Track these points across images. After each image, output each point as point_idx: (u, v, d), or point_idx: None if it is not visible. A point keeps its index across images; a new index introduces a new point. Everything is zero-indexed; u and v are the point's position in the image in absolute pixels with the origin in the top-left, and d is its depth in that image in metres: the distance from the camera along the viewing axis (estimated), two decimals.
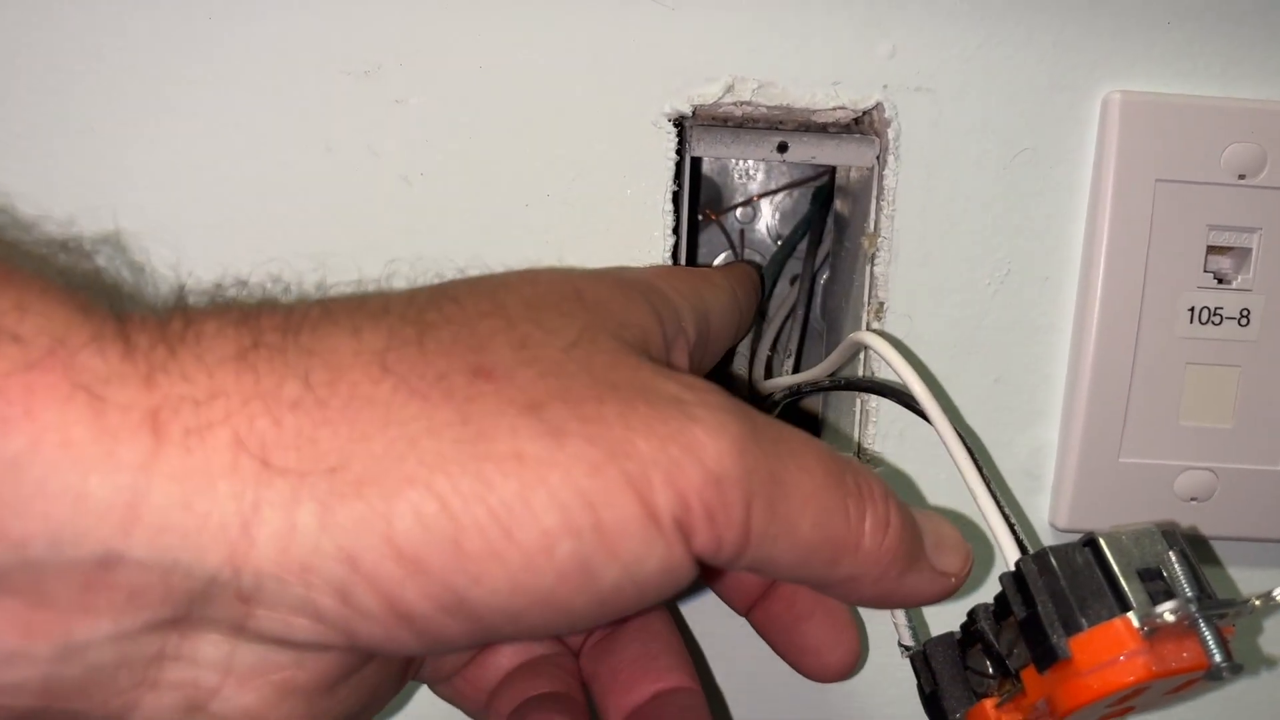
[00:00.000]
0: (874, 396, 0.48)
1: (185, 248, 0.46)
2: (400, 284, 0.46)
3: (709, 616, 0.50)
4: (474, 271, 0.45)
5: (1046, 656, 0.32)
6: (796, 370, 0.55)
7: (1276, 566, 0.50)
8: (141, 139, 0.45)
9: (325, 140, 0.45)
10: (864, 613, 0.49)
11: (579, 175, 0.45)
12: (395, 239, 0.46)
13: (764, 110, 0.46)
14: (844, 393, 0.51)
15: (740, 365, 0.52)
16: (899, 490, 0.48)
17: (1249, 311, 0.46)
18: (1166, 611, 0.30)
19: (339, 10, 0.44)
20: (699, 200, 0.60)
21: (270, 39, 0.44)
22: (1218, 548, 0.49)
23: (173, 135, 0.45)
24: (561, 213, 0.46)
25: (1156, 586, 0.32)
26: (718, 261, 0.62)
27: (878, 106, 0.45)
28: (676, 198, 0.46)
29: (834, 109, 0.45)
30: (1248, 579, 0.50)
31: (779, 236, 0.62)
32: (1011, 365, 0.48)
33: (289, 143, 0.45)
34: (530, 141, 0.45)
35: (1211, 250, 0.46)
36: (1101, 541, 0.32)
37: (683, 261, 0.48)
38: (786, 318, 0.58)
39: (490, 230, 0.46)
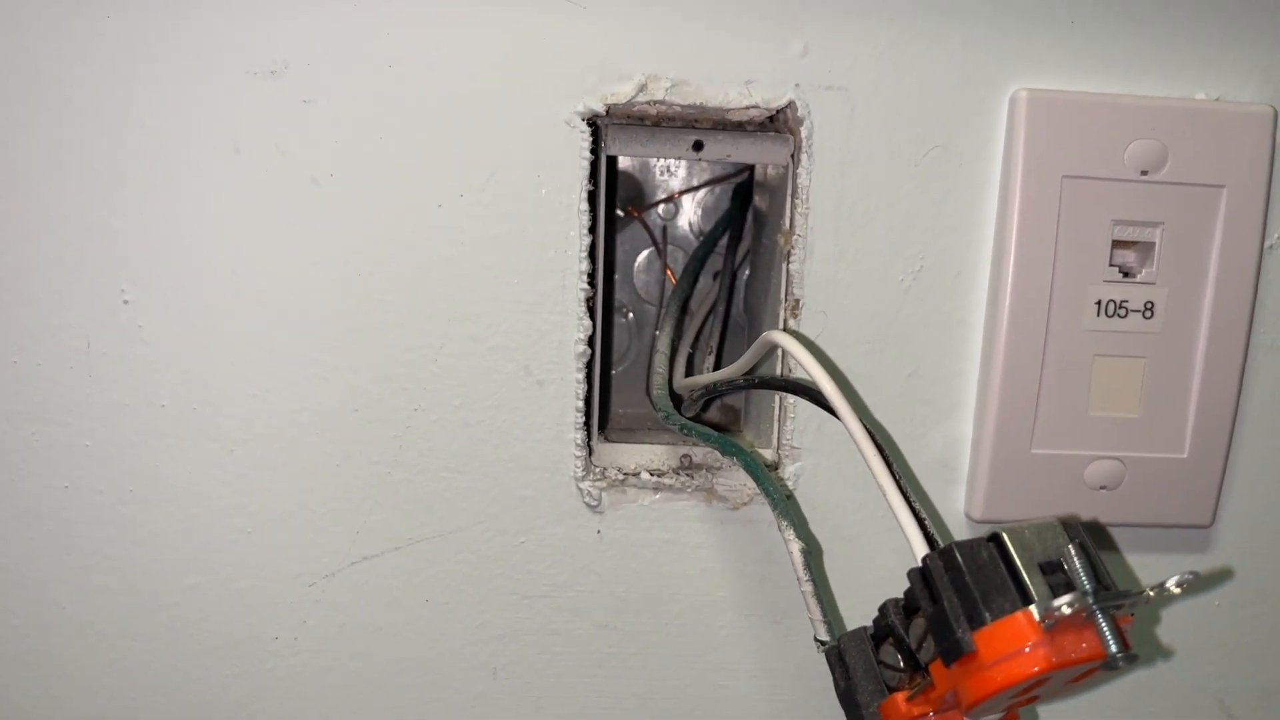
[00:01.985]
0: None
1: (89, 251, 0.45)
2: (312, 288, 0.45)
3: None
4: (386, 270, 0.45)
5: (952, 650, 0.32)
6: (718, 366, 0.56)
7: (1183, 551, 0.51)
8: (41, 141, 0.44)
9: (233, 140, 0.44)
10: (784, 607, 0.50)
11: (492, 175, 0.45)
12: (305, 239, 0.45)
13: (678, 109, 0.46)
14: (764, 390, 0.51)
15: (661, 363, 0.52)
16: (818, 485, 0.49)
17: (1153, 304, 0.47)
18: (1064, 604, 0.30)
19: (244, 9, 0.43)
20: (616, 198, 0.60)
21: (173, 38, 0.43)
22: (1127, 534, 0.51)
23: (74, 137, 0.44)
24: (475, 213, 0.45)
25: (1057, 579, 0.32)
26: (639, 259, 0.62)
27: (790, 105, 0.46)
28: (592, 196, 0.46)
29: (747, 108, 0.46)
30: (1156, 564, 0.51)
31: (701, 232, 0.62)
32: (926, 360, 0.48)
33: (197, 143, 0.44)
34: (442, 141, 0.45)
35: (1116, 245, 0.47)
36: (1005, 537, 0.33)
37: (600, 260, 0.48)
38: (708, 314, 0.58)
39: (402, 231, 0.45)
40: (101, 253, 0.45)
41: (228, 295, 0.45)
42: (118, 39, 0.43)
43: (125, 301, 0.45)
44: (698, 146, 0.48)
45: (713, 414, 0.61)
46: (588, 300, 0.47)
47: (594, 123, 0.46)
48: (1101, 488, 0.48)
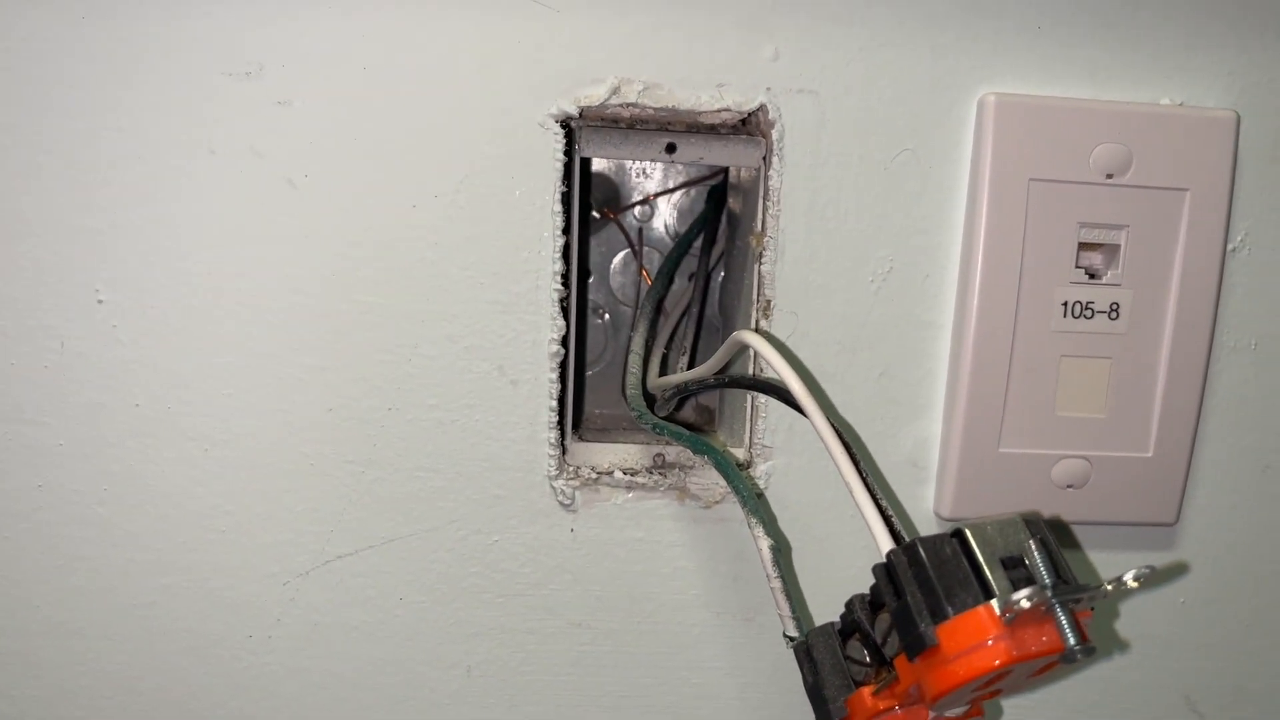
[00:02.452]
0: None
1: (63, 252, 0.45)
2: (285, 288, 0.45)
3: None
4: (361, 271, 0.45)
5: (915, 644, 0.33)
6: (692, 367, 0.56)
7: (1149, 549, 0.52)
8: (15, 142, 0.44)
9: (208, 142, 0.45)
10: (756, 604, 0.50)
11: (467, 177, 0.45)
12: (280, 241, 0.45)
13: (651, 111, 0.46)
14: (735, 389, 0.52)
15: (634, 363, 0.52)
16: (789, 484, 0.49)
17: (1119, 305, 0.48)
18: (1024, 598, 0.31)
19: (220, 11, 0.44)
20: (590, 200, 0.60)
21: (149, 40, 0.44)
22: (1094, 532, 0.51)
23: (54, 137, 0.44)
24: (450, 214, 0.46)
25: (1019, 574, 0.33)
26: (616, 260, 0.62)
27: (762, 108, 0.46)
28: (566, 198, 0.46)
29: (719, 110, 0.46)
30: (1123, 562, 0.52)
31: (677, 234, 0.62)
32: (896, 360, 0.49)
33: (172, 145, 0.45)
34: (416, 143, 0.45)
35: (1083, 247, 0.48)
36: (968, 532, 0.34)
37: (574, 261, 0.48)
38: (683, 315, 0.58)
39: (377, 232, 0.46)
40: (76, 253, 0.45)
41: (203, 296, 0.46)
42: (93, 41, 0.43)
43: (100, 302, 0.45)
44: (670, 149, 0.48)
45: (688, 414, 0.61)
46: (561, 301, 0.47)
47: (568, 125, 0.46)
48: (1068, 486, 0.49)
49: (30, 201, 0.44)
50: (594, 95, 0.45)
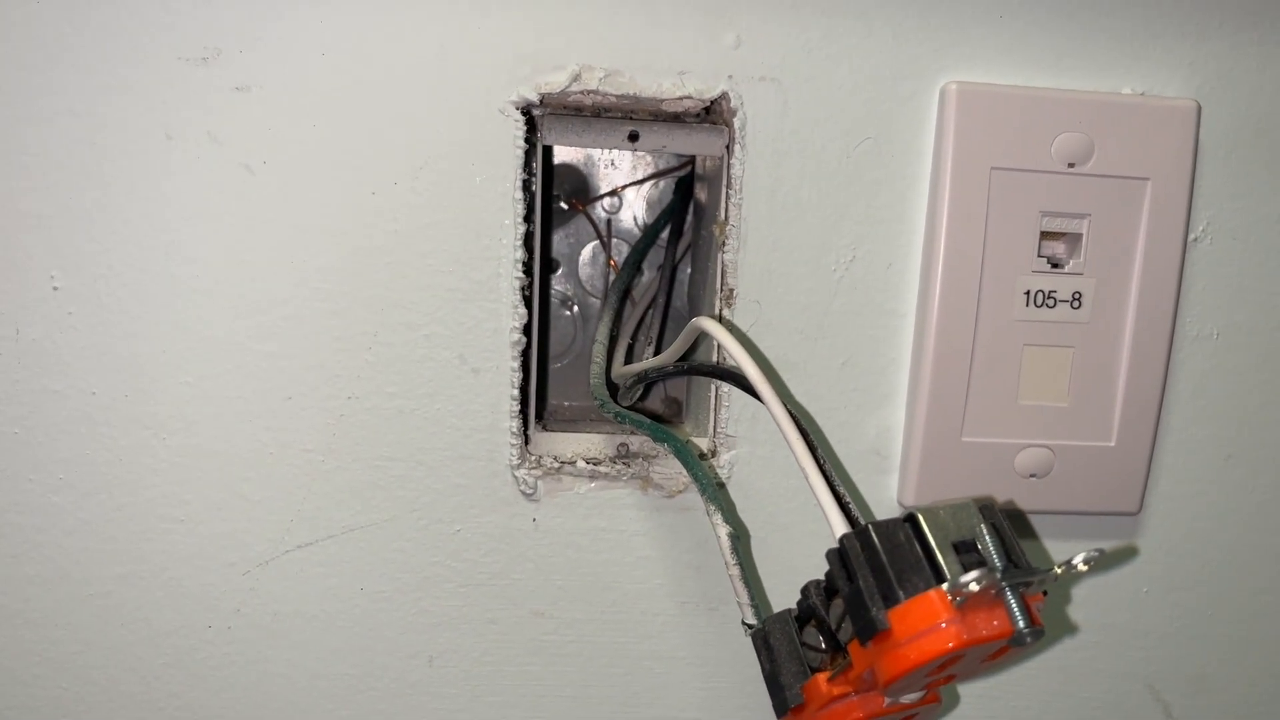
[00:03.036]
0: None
1: (18, 238, 0.44)
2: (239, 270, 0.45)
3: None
4: (319, 258, 0.45)
5: (867, 628, 0.33)
6: (657, 356, 0.56)
7: (1112, 538, 0.52)
8: None
9: (164, 128, 0.44)
10: (718, 594, 0.50)
11: (426, 163, 0.45)
12: (238, 227, 0.45)
13: (614, 99, 0.46)
14: (703, 379, 0.51)
15: (599, 352, 0.52)
16: (752, 473, 0.49)
17: (1081, 294, 0.48)
18: (972, 581, 0.31)
19: None
20: (553, 189, 0.60)
21: (104, 22, 0.43)
22: (1057, 522, 0.51)
23: (7, 123, 0.43)
24: (409, 200, 0.45)
25: (971, 559, 0.33)
26: (585, 252, 0.62)
27: (724, 96, 0.46)
28: (527, 185, 0.46)
29: (681, 98, 0.46)
30: (1084, 551, 0.52)
31: (645, 226, 0.62)
32: (859, 349, 0.49)
33: (128, 130, 0.44)
34: (375, 129, 0.45)
35: (1045, 236, 0.48)
36: (920, 517, 0.33)
37: (536, 249, 0.48)
38: (649, 305, 0.58)
39: (336, 219, 0.45)
40: (31, 239, 0.44)
41: (159, 282, 0.45)
42: (46, 23, 0.43)
43: (55, 289, 0.45)
44: (633, 137, 0.48)
45: (657, 405, 0.61)
46: (523, 289, 0.47)
47: (529, 112, 0.46)
48: (1031, 475, 0.49)
49: None
50: (555, 82, 0.45)
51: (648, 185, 0.62)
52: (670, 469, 0.49)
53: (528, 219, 0.47)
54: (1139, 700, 0.54)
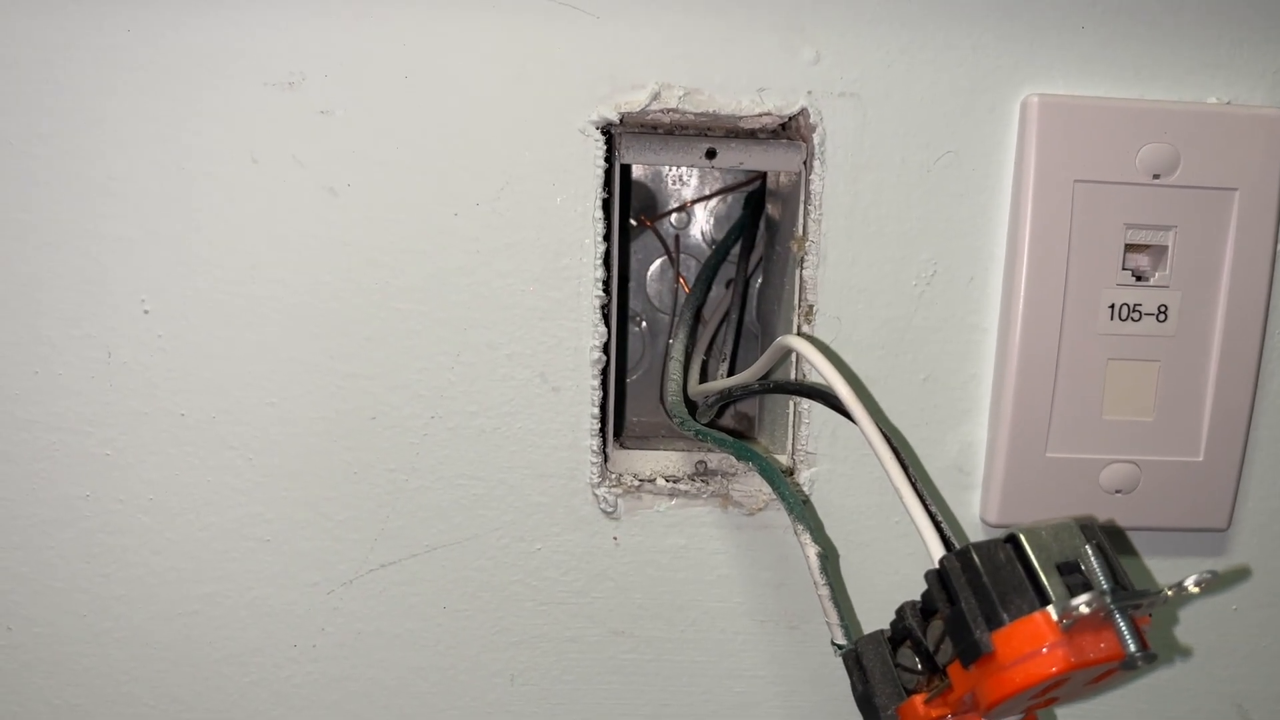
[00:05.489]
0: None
1: (109, 262, 0.45)
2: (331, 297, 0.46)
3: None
4: (402, 278, 0.45)
5: (970, 651, 0.32)
6: (732, 373, 0.56)
7: (1200, 555, 0.51)
8: (62, 154, 0.44)
9: (250, 151, 0.45)
10: (800, 612, 0.50)
11: (507, 184, 0.45)
12: (322, 249, 0.45)
13: (691, 117, 0.46)
14: (778, 395, 0.51)
15: (675, 369, 0.52)
16: (833, 490, 0.49)
17: (1167, 307, 0.47)
18: (1082, 604, 0.30)
19: (260, 22, 0.44)
20: (629, 207, 0.60)
21: (191, 51, 0.44)
22: (1143, 538, 0.51)
23: (98, 149, 0.44)
24: (491, 221, 0.46)
25: (1075, 580, 0.32)
26: (653, 268, 0.62)
27: (803, 112, 0.46)
28: (606, 204, 0.46)
29: (760, 115, 0.46)
30: (1172, 568, 0.51)
31: (713, 241, 0.62)
32: (940, 364, 0.48)
33: (215, 155, 0.45)
34: (457, 150, 0.45)
35: (1129, 248, 0.47)
36: (1022, 538, 0.33)
37: (614, 267, 0.48)
38: (721, 321, 0.58)
39: (418, 240, 0.46)
40: (121, 264, 0.45)
41: (246, 305, 0.46)
42: (138, 53, 0.44)
43: (145, 312, 0.46)
44: (711, 154, 0.48)
45: (727, 421, 0.61)
46: (603, 307, 0.47)
47: (608, 131, 0.46)
48: (1117, 491, 0.48)
49: (76, 213, 0.45)
50: (634, 101, 0.45)
51: (715, 200, 0.62)
52: (750, 486, 0.49)
53: (606, 237, 0.47)
54: (1227, 719, 0.53)
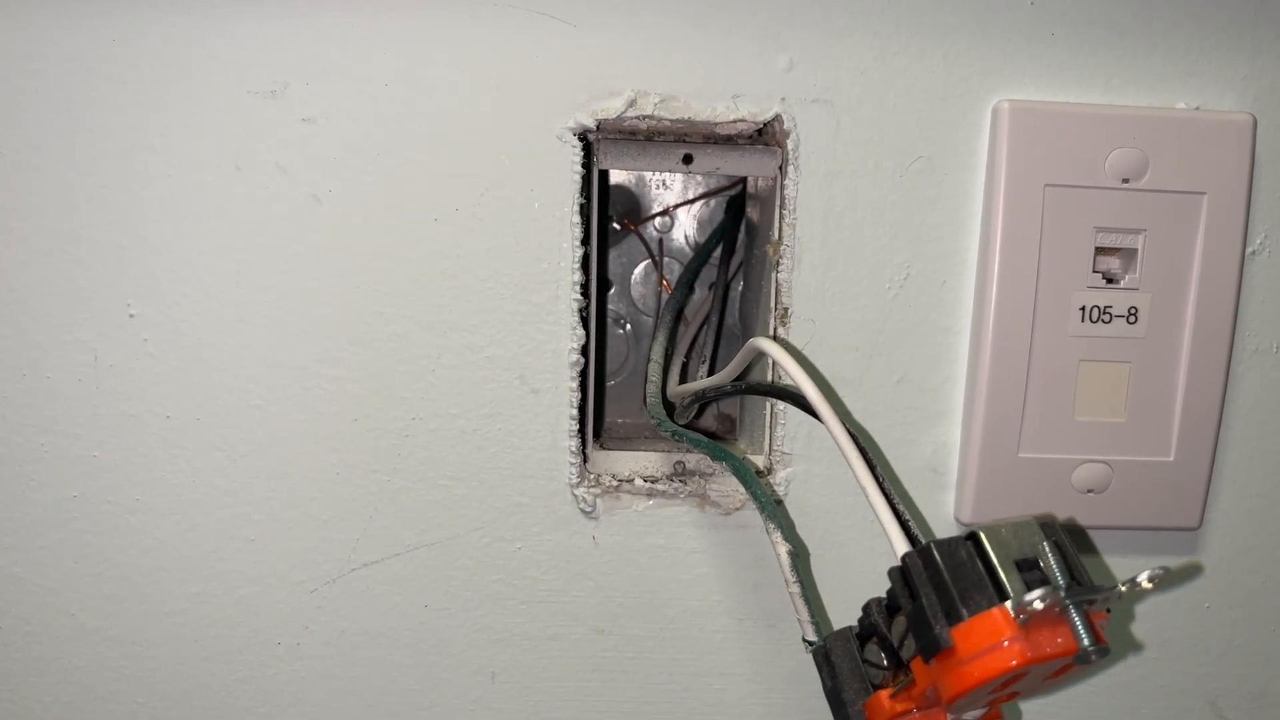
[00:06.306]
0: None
1: (96, 267, 0.46)
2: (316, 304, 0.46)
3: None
4: (384, 283, 0.46)
5: (930, 646, 0.33)
6: (711, 374, 0.57)
7: (1172, 554, 0.52)
8: (49, 161, 0.45)
9: (234, 159, 0.46)
10: (777, 611, 0.50)
11: (487, 189, 0.46)
12: (306, 255, 0.46)
13: (668, 123, 0.47)
14: (757, 396, 0.52)
15: (654, 371, 0.53)
16: (809, 490, 0.50)
17: (1137, 309, 0.48)
18: (1036, 599, 0.31)
19: (244, 31, 0.45)
20: (608, 211, 0.61)
21: (176, 61, 0.45)
22: (1116, 538, 0.51)
23: (86, 156, 0.45)
24: (470, 226, 0.47)
25: (1033, 576, 0.33)
26: (637, 271, 0.63)
27: (777, 118, 0.47)
28: (584, 209, 0.47)
29: (734, 121, 0.47)
30: (1144, 567, 0.51)
31: (696, 244, 0.63)
32: (914, 366, 0.49)
33: (199, 162, 0.46)
34: (437, 157, 0.46)
35: (1100, 251, 0.48)
36: (982, 535, 0.34)
37: (593, 271, 0.49)
38: (702, 324, 0.59)
39: (400, 245, 0.46)
40: (108, 268, 0.46)
41: (231, 309, 0.47)
42: (123, 63, 0.45)
43: (131, 316, 0.47)
44: (687, 160, 0.49)
45: (710, 423, 0.62)
46: (581, 310, 0.48)
47: (585, 138, 0.47)
48: (1089, 491, 0.49)
49: (63, 219, 0.46)
50: (611, 108, 0.46)
51: (698, 204, 0.63)
52: (727, 486, 0.50)
53: (585, 242, 0.48)
54: (1200, 717, 0.54)
